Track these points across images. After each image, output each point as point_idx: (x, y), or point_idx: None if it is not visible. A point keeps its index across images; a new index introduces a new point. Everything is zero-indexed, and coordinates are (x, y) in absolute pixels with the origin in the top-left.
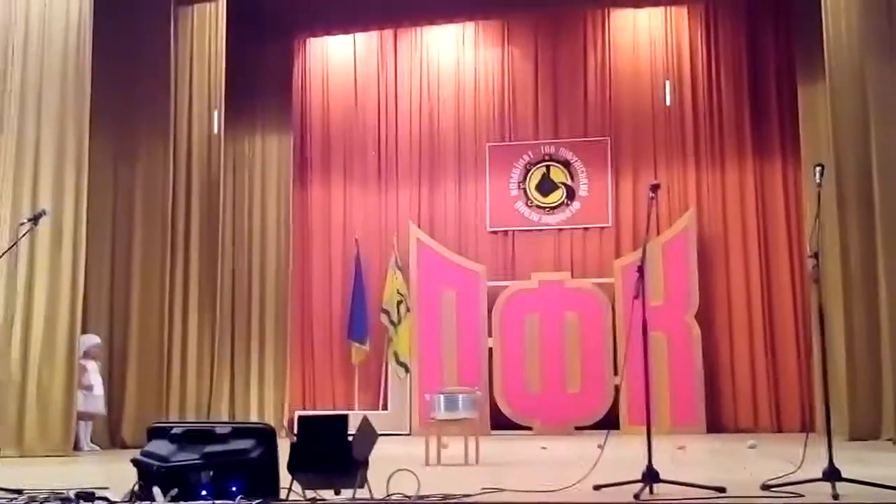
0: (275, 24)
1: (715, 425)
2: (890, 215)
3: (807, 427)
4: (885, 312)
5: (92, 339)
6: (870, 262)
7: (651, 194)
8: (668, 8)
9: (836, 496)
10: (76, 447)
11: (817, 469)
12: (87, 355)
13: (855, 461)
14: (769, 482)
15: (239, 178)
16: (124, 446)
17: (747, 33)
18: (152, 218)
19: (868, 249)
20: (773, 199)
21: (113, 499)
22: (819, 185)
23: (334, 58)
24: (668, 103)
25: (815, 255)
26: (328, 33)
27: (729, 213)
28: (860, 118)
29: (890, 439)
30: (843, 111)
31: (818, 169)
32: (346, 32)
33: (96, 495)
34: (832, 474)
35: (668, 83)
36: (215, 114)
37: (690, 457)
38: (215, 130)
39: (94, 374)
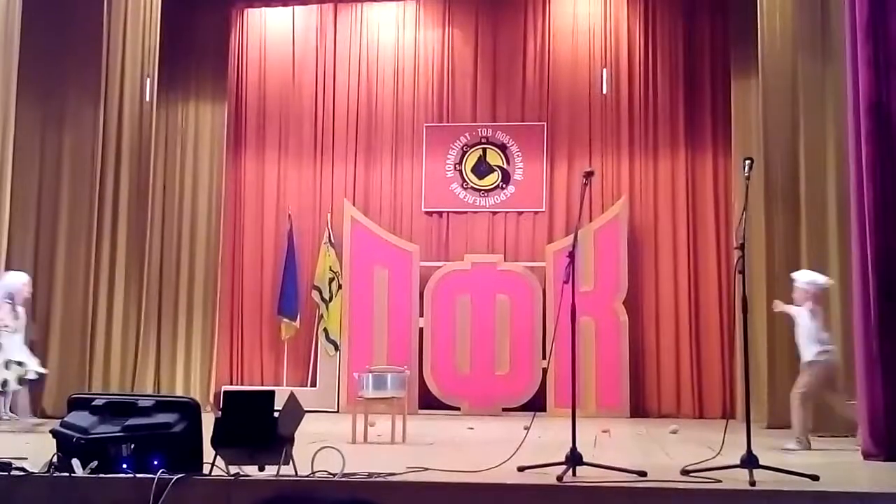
0: None
1: (639, 410)
2: (814, 211)
3: (727, 414)
4: None
5: None
6: (793, 255)
7: (584, 181)
8: None
9: (752, 483)
10: None
11: (736, 456)
12: None
13: (772, 449)
14: (689, 467)
15: (171, 147)
16: (45, 416)
17: (684, 26)
18: (79, 185)
19: (792, 243)
20: (703, 190)
21: (30, 470)
22: (747, 178)
23: (272, 30)
24: (604, 91)
25: (742, 247)
26: (267, 4)
27: (660, 202)
28: (790, 115)
29: None
30: (773, 107)
31: (747, 162)
32: (285, 4)
33: (13, 465)
34: (750, 461)
35: (605, 72)
36: (147, 81)
37: (614, 440)
38: (147, 98)
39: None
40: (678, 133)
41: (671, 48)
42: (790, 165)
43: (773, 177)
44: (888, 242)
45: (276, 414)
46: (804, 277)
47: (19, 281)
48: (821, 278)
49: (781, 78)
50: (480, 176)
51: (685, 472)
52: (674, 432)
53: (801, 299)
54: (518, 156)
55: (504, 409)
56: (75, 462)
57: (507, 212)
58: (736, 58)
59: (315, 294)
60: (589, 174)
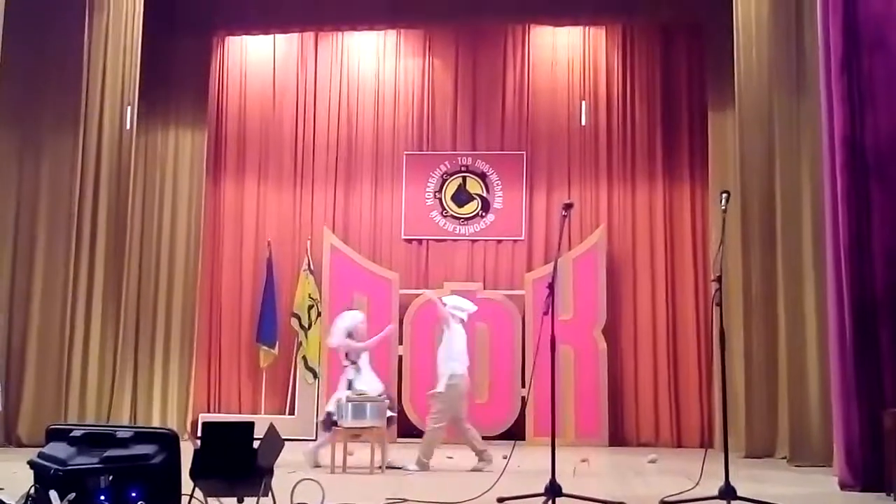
0: (193, 21)
1: (617, 438)
2: (791, 243)
3: (705, 443)
4: (783, 335)
5: None
6: (770, 286)
7: (563, 213)
8: (587, 28)
9: None
10: None
11: (715, 486)
12: None
13: (750, 479)
14: (667, 499)
15: (150, 175)
16: (20, 444)
17: (662, 58)
18: (57, 212)
19: (769, 274)
20: (680, 221)
21: (7, 501)
22: (724, 210)
23: (253, 57)
24: (583, 123)
25: (719, 279)
26: (247, 32)
27: (638, 232)
28: (766, 147)
29: (784, 457)
30: (750, 139)
31: (724, 195)
32: (266, 33)
33: None
34: (728, 493)
35: (584, 104)
36: (128, 109)
37: (593, 469)
38: (127, 126)
39: None
40: (656, 164)
41: (649, 81)
42: (766, 197)
43: (749, 209)
44: (863, 273)
45: (255, 445)
46: (451, 301)
47: (356, 320)
48: (465, 304)
49: (757, 111)
50: (460, 204)
51: None
52: (652, 462)
53: (453, 321)
54: (498, 184)
55: (483, 438)
56: (53, 494)
57: (487, 240)
58: (713, 91)
59: (294, 321)
60: (568, 206)
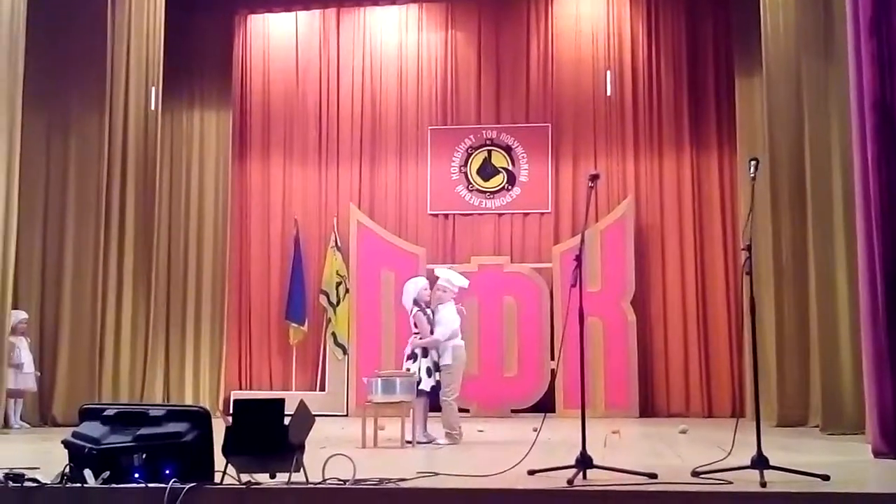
0: (215, 0)
1: (648, 409)
2: (821, 209)
3: (737, 413)
4: (814, 303)
5: (18, 315)
6: (800, 254)
7: (590, 184)
8: None
9: (763, 484)
10: (5, 424)
11: (746, 456)
12: (14, 332)
13: (782, 448)
14: (699, 469)
15: (176, 154)
16: (55, 424)
17: (687, 25)
18: (86, 194)
19: (799, 241)
20: (709, 189)
21: (43, 480)
22: (753, 178)
23: (276, 35)
24: (608, 93)
25: (748, 248)
26: (269, 10)
27: (666, 202)
28: (795, 112)
29: (817, 425)
30: (778, 104)
31: (752, 163)
32: (288, 10)
33: (26, 476)
34: (760, 462)
35: (608, 73)
36: (153, 90)
37: (624, 441)
38: (152, 106)
39: (24, 352)
40: (683, 132)
41: (674, 48)
42: (796, 163)
43: (778, 175)
44: (895, 238)
45: (286, 421)
46: (443, 275)
47: (421, 286)
48: (457, 279)
49: (785, 76)
50: (486, 178)
51: (696, 474)
52: (683, 432)
53: (447, 297)
54: (523, 157)
55: (513, 411)
56: (87, 472)
57: (513, 213)
58: (739, 56)
59: (322, 298)
60: (594, 177)
